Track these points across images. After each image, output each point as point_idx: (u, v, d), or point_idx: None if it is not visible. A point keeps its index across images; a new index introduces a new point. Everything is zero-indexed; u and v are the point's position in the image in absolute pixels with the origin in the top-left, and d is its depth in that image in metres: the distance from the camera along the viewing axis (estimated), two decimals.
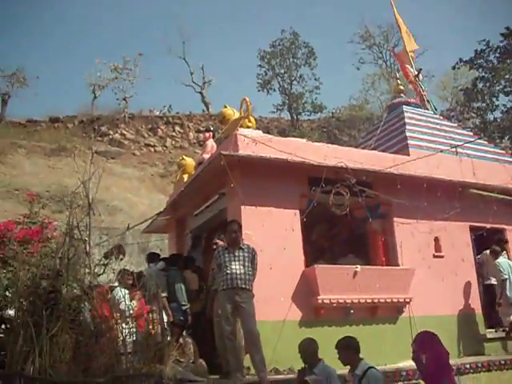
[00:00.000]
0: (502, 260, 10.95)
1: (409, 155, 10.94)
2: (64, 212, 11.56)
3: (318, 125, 42.65)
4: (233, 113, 9.91)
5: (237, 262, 7.57)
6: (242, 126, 9.37)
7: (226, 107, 10.13)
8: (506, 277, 10.66)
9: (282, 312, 8.65)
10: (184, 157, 12.17)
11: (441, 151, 10.59)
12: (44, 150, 29.69)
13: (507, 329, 10.71)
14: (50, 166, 27.68)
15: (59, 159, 28.47)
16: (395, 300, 9.61)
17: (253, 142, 9.08)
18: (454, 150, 10.49)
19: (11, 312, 9.34)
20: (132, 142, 32.47)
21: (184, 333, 8.24)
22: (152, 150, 32.18)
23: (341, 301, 8.99)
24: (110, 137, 31.92)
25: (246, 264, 7.60)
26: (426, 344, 6.93)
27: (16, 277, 7.63)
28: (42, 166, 27.54)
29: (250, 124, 9.50)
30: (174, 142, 32.97)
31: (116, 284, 8.68)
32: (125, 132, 32.93)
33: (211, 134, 11.41)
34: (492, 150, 13.51)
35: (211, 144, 11.06)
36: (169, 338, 7.74)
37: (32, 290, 7.11)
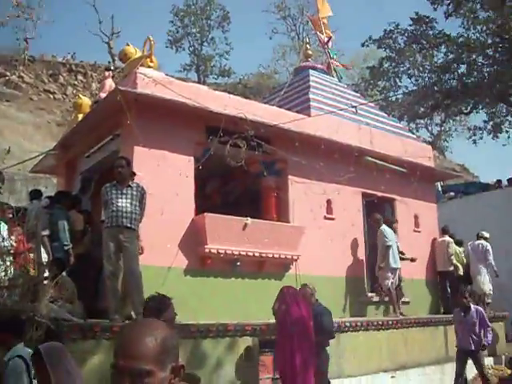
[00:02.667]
0: (386, 228, 11.24)
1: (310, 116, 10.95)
2: None
3: (224, 89, 42.09)
4: (135, 52, 9.48)
5: (124, 200, 7.27)
6: (143, 65, 8.99)
7: (128, 45, 9.65)
8: (390, 244, 10.96)
9: (168, 259, 8.46)
10: (80, 95, 11.63)
11: (341, 110, 10.64)
12: None
13: (383, 293, 11.08)
14: None
15: None
16: (283, 256, 9.68)
17: (153, 83, 8.72)
18: (353, 109, 10.58)
19: None
20: (30, 86, 30.82)
21: (64, 273, 7.86)
22: (51, 96, 30.73)
23: (228, 252, 8.91)
24: (7, 78, 30.18)
25: (134, 202, 7.32)
26: (288, 297, 7.24)
27: None
28: None
29: (151, 64, 9.13)
30: (75, 91, 31.51)
31: None
32: (23, 75, 31.20)
33: (110, 73, 10.94)
34: (391, 122, 13.87)
35: (110, 83, 10.59)
36: (46, 276, 7.41)
37: None
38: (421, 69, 26.95)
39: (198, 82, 41.74)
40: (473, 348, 9.25)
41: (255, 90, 40.10)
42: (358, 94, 15.75)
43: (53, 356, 3.35)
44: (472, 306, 9.57)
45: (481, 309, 9.79)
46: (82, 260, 8.92)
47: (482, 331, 9.31)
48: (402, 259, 11.35)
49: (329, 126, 10.84)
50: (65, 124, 27.24)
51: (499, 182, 20.52)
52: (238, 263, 9.19)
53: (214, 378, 7.64)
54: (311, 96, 11.73)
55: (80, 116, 10.77)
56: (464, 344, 9.38)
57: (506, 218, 16.45)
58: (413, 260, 11.90)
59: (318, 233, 10.45)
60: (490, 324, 9.51)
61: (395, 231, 11.63)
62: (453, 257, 12.85)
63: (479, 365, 9.42)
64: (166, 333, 1.79)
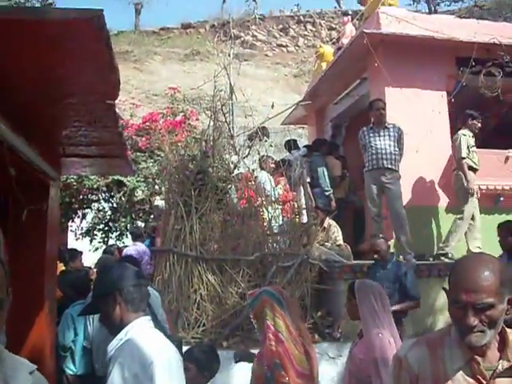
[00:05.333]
0: None
1: None
2: (201, 114, 11.67)
3: (458, 15, 39.71)
4: None
5: (382, 142, 7.31)
6: (383, 5, 8.84)
7: None
8: None
9: (429, 198, 8.38)
10: (321, 44, 11.81)
11: None
12: (178, 56, 30.15)
13: None
14: (185, 71, 28.12)
15: (193, 64, 28.84)
16: None
17: (396, 20, 8.57)
18: None
19: (159, 203, 9.83)
20: (264, 43, 32.11)
21: (328, 217, 8.21)
22: (284, 50, 31.69)
23: (490, 187, 8.54)
24: (242, 39, 31.76)
25: (392, 143, 7.33)
26: None
27: (165, 160, 7.91)
28: (177, 71, 28.00)
29: (392, 2, 8.94)
30: (306, 41, 32.14)
31: (259, 170, 8.79)
32: (256, 33, 32.59)
33: (349, 18, 10.92)
34: None
35: (350, 28, 10.60)
36: (314, 222, 7.79)
37: (180, 171, 7.32)
38: None
39: (429, 13, 39.98)
40: None
41: (495, 10, 37.07)
42: None
43: (360, 291, 3.56)
44: None
45: None
46: (341, 204, 9.21)
47: None
48: None
49: None
50: (301, 75, 28.04)
51: None
52: (501, 198, 8.74)
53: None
54: None
55: (323, 65, 10.98)
56: None
57: None
58: None
59: None
60: None
61: None
62: None
63: None
64: (500, 265, 1.81)
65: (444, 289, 1.91)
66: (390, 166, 7.26)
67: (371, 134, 7.40)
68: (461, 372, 1.83)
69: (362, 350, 3.47)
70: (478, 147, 8.29)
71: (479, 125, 8.17)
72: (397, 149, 7.37)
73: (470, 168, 7.80)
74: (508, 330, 1.88)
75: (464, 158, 7.76)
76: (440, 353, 1.89)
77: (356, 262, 7.44)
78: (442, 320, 6.82)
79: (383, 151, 7.26)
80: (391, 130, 7.39)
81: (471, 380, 1.82)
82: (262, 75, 27.79)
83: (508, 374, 1.80)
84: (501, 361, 1.81)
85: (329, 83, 10.16)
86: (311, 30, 33.57)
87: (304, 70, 27.62)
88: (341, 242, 8.01)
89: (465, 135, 7.94)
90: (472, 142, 7.93)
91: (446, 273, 6.93)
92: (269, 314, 3.20)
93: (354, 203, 9.56)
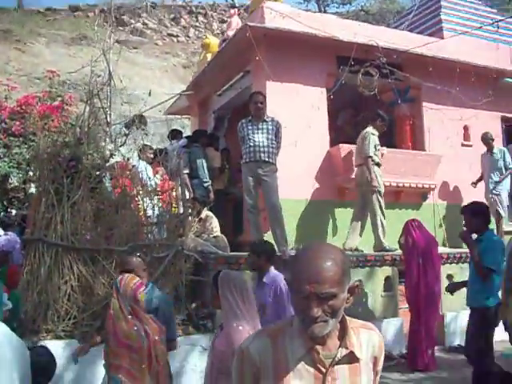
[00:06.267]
0: None
1: (443, 39, 10.41)
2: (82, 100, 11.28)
3: (346, 18, 40.89)
4: None
5: (260, 135, 7.35)
6: (269, 0, 8.90)
7: None
8: None
9: (305, 191, 8.55)
10: (208, 35, 11.74)
11: (477, 28, 9.98)
12: (64, 39, 29.08)
13: None
14: (71, 55, 27.14)
15: (80, 48, 27.87)
16: (420, 185, 9.47)
17: (280, 16, 8.66)
18: (489, 27, 9.87)
19: (33, 190, 9.39)
20: (154, 31, 31.65)
21: (205, 209, 8.17)
22: (175, 40, 31.39)
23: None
24: (132, 26, 31.13)
25: (270, 137, 7.38)
26: (413, 230, 7.29)
27: (37, 146, 7.54)
28: (62, 54, 26.96)
29: None
30: (197, 33, 32.02)
31: (137, 158, 8.61)
32: (147, 21, 32.08)
33: (236, 10, 10.94)
34: None
35: (236, 21, 10.63)
36: (190, 212, 7.72)
37: (52, 157, 6.99)
38: None
39: (319, 12, 40.94)
40: None
41: (378, 16, 38.62)
42: (495, 10, 14.67)
43: (223, 283, 3.52)
44: None
45: None
46: (221, 196, 9.21)
47: None
48: None
49: (464, 48, 10.26)
50: (190, 66, 27.85)
51: None
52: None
53: (354, 307, 7.70)
54: (443, 17, 11.11)
55: (209, 56, 10.93)
56: None
57: None
58: None
59: (455, 161, 10.05)
60: None
61: None
62: None
63: None
64: (342, 255, 1.83)
65: (286, 280, 1.91)
66: (266, 159, 7.31)
67: (249, 127, 7.42)
68: (302, 362, 1.84)
69: (223, 342, 3.43)
70: (353, 143, 8.62)
71: (385, 128, 8.55)
72: (274, 142, 7.43)
73: (376, 165, 8.17)
74: (348, 318, 1.90)
75: (371, 157, 8.10)
76: (281, 343, 1.88)
77: (232, 253, 7.46)
78: None
79: (260, 144, 7.30)
80: (269, 123, 7.44)
81: (311, 369, 1.83)
82: (151, 64, 27.37)
83: (346, 360, 1.84)
84: (340, 348, 1.84)
85: (212, 74, 10.13)
86: (203, 22, 33.53)
87: (193, 60, 27.47)
88: (218, 233, 7.99)
89: (374, 134, 8.28)
90: (377, 141, 8.27)
91: None
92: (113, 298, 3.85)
93: (234, 195, 9.58)
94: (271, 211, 7.40)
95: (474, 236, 5.60)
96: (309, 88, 8.84)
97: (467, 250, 8.62)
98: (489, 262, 5.13)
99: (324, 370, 1.82)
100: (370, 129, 8.34)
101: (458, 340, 7.99)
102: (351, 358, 1.85)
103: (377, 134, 8.34)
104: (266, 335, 1.92)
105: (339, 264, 1.77)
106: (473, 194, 9.78)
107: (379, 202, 8.17)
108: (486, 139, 9.95)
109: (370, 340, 1.93)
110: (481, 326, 5.28)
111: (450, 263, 8.54)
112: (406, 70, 9.50)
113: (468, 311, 5.64)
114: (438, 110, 9.94)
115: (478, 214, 5.37)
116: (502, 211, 9.68)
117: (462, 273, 8.01)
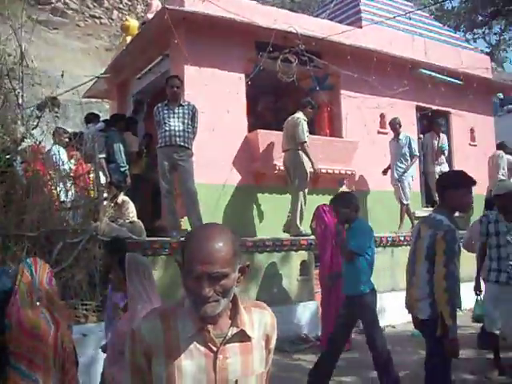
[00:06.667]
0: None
1: (361, 28, 10.63)
2: None
3: (272, 5, 41.04)
4: None
5: (176, 119, 7.30)
6: None
7: None
8: None
9: (222, 176, 8.57)
10: (128, 18, 11.53)
11: (393, 18, 10.26)
12: None
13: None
14: None
15: None
16: (337, 171, 9.64)
17: (200, 0, 8.58)
18: (405, 19, 10.18)
19: None
20: (76, 12, 30.69)
21: (122, 193, 8.05)
22: (97, 21, 30.57)
23: (282, 168, 8.86)
24: (53, 5, 30.07)
25: (186, 121, 7.34)
26: (324, 213, 7.47)
27: None
28: None
29: None
30: (120, 15, 31.24)
31: (51, 142, 8.38)
32: (68, 1, 31.05)
33: None
34: (447, 32, 13.30)
35: (156, 3, 10.48)
36: (105, 197, 7.59)
37: None
38: None
39: None
40: None
41: (303, 4, 38.89)
42: (411, 4, 15.09)
43: (130, 266, 3.50)
44: None
45: None
46: (139, 181, 9.10)
47: None
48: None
49: (381, 38, 10.55)
50: (113, 49, 27.21)
51: None
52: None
53: (269, 291, 7.82)
54: (362, 7, 11.30)
55: (128, 38, 10.74)
56: None
57: None
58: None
59: (371, 148, 10.31)
60: None
61: None
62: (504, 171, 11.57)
63: None
64: (233, 236, 1.85)
65: (176, 260, 1.91)
66: (182, 144, 7.27)
67: (165, 111, 7.36)
68: (193, 341, 1.85)
69: (125, 323, 3.42)
70: (272, 129, 8.71)
71: (314, 114, 8.93)
72: (190, 127, 7.40)
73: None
74: (240, 298, 1.93)
75: (306, 142, 8.32)
76: (173, 324, 1.89)
77: (149, 238, 7.40)
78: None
79: (176, 128, 7.25)
80: (186, 107, 7.40)
81: (202, 348, 1.85)
82: (73, 46, 26.60)
83: (238, 339, 1.87)
84: (231, 327, 1.86)
85: (132, 58, 9.95)
86: (127, 4, 32.77)
87: (116, 44, 26.89)
88: (134, 218, 7.89)
89: (305, 120, 8.47)
90: (307, 127, 8.45)
91: None
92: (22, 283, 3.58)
93: (153, 180, 9.46)
94: (187, 196, 7.38)
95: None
96: (227, 73, 8.83)
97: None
98: (353, 246, 5.29)
99: (215, 348, 1.84)
100: (300, 114, 8.50)
101: None
102: (242, 337, 1.88)
103: (306, 120, 8.51)
104: (157, 315, 1.93)
105: (230, 244, 1.80)
106: (386, 180, 10.14)
107: (307, 186, 8.37)
108: (394, 124, 10.11)
109: (262, 319, 1.96)
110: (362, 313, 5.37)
111: None
112: (325, 57, 9.66)
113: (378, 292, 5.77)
114: (355, 97, 10.18)
115: (346, 205, 5.50)
116: (403, 199, 9.93)
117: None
